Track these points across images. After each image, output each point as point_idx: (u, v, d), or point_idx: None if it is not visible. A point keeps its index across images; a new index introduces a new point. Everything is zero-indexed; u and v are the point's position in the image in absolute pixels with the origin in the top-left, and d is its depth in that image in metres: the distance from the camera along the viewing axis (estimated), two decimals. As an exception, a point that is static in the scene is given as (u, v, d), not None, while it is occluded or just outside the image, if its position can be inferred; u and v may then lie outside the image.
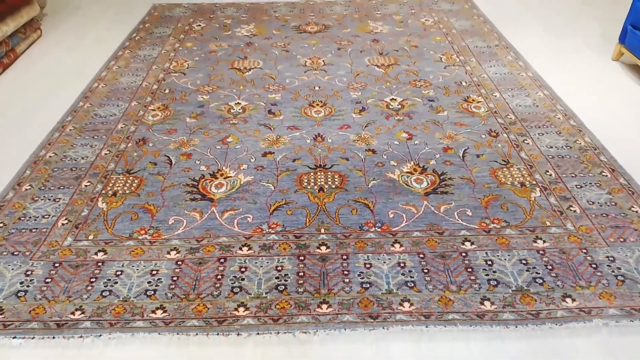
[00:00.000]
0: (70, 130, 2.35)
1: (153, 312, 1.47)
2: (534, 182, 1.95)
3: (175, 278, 1.58)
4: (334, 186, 1.96)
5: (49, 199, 1.92)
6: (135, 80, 2.78)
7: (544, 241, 1.69)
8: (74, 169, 2.09)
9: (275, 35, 3.34)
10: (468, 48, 3.08)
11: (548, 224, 1.76)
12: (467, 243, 1.69)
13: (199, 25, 3.52)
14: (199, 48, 3.17)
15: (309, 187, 1.96)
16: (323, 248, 1.68)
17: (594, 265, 1.59)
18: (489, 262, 1.61)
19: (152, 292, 1.53)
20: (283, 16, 3.65)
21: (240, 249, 1.68)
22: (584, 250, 1.65)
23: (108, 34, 3.46)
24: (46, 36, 3.44)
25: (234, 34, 3.37)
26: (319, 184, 1.98)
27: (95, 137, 2.30)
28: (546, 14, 3.60)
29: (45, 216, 1.84)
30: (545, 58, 2.96)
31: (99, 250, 1.69)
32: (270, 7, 3.82)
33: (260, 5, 3.87)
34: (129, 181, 2.01)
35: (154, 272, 1.60)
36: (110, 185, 1.99)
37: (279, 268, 1.61)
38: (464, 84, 2.68)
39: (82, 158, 2.15)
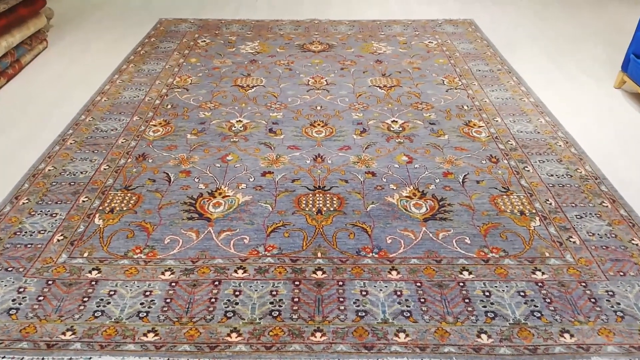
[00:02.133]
0: (71, 143, 2.35)
1: (145, 335, 1.45)
2: (534, 211, 1.94)
3: (168, 300, 1.56)
4: (332, 209, 1.95)
5: (46, 214, 1.91)
6: (138, 95, 2.79)
7: (543, 273, 1.67)
8: (72, 183, 2.08)
9: (279, 53, 3.36)
10: (470, 71, 3.09)
11: (547, 254, 1.74)
12: (465, 272, 1.67)
13: (204, 41, 3.55)
14: (202, 64, 3.19)
15: (307, 209, 1.95)
16: (319, 273, 1.66)
17: (593, 300, 1.57)
18: (487, 293, 1.59)
19: (145, 314, 1.51)
20: (288, 34, 3.67)
21: (236, 271, 1.66)
22: (583, 284, 1.63)
23: (113, 47, 3.49)
24: (52, 47, 3.46)
25: (238, 51, 3.39)
26: (317, 206, 1.97)
27: (95, 151, 2.30)
28: (549, 39, 3.62)
29: (41, 231, 1.83)
30: (547, 84, 2.97)
31: (93, 269, 1.67)
32: (276, 25, 3.85)
33: (265, 22, 3.90)
34: (126, 197, 2.00)
35: (148, 293, 1.58)
36: (108, 201, 1.98)
37: (274, 293, 1.59)
38: (465, 107, 2.68)
39: (81, 172, 2.15)
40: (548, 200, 2.00)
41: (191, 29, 3.75)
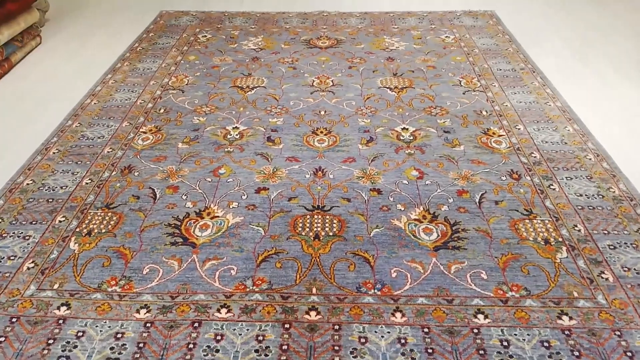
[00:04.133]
0: (54, 153, 2.18)
1: (111, 388, 1.28)
2: (560, 239, 1.71)
3: (141, 345, 1.38)
4: (331, 233, 1.75)
5: (19, 236, 1.75)
6: (130, 97, 2.61)
7: (571, 318, 1.45)
8: (50, 200, 1.92)
9: (284, 49, 3.14)
10: (490, 70, 2.83)
11: (575, 294, 1.52)
12: (480, 316, 1.45)
13: (205, 36, 3.34)
14: (201, 62, 2.99)
15: (303, 233, 1.75)
16: (313, 314, 1.47)
17: (629, 354, 1.34)
18: (505, 343, 1.38)
19: (114, 362, 1.34)
20: (294, 28, 3.44)
21: (219, 310, 1.48)
22: (617, 333, 1.40)
23: (110, 42, 3.31)
24: (46, 43, 3.30)
25: (240, 47, 3.17)
26: (315, 229, 1.77)
27: (79, 162, 2.12)
28: (578, 34, 3.32)
29: (12, 257, 1.67)
30: (575, 85, 2.69)
31: (62, 304, 1.51)
32: (282, 18, 3.61)
33: (271, 15, 3.67)
34: (107, 217, 1.83)
35: (119, 336, 1.41)
36: (86, 222, 1.81)
37: (260, 338, 1.40)
38: (484, 113, 2.44)
39: (61, 187, 1.98)
40: (576, 226, 1.76)
41: (192, 23, 3.55)
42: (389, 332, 1.41)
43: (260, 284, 1.56)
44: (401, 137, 2.27)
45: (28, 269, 1.63)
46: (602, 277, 1.57)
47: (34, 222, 1.81)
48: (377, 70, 2.87)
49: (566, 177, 1.99)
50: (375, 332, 1.41)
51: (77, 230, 1.78)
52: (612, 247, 1.68)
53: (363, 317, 1.45)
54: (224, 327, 1.43)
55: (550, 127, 2.31)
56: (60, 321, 1.46)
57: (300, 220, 1.81)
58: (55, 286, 1.57)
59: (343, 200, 1.90)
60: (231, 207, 1.88)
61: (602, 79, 2.77)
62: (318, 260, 1.65)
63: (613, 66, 2.89)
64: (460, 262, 1.63)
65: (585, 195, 1.90)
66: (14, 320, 1.46)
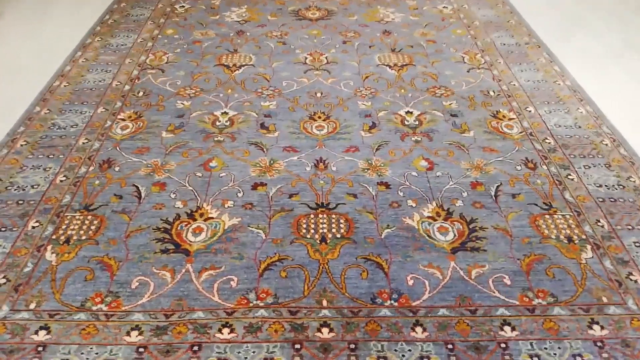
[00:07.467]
0: (22, 145, 1.94)
1: None
2: (584, 237, 1.60)
3: (135, 374, 1.23)
4: (338, 235, 1.60)
5: (-14, 246, 1.55)
6: (104, 79, 2.35)
7: (602, 327, 1.35)
8: (21, 202, 1.70)
9: (271, 22, 2.89)
10: (494, 45, 2.66)
11: (605, 299, 1.42)
12: (507, 327, 1.34)
13: (183, 6, 3.05)
14: (181, 36, 2.73)
15: (308, 235, 1.60)
16: (325, 331, 1.33)
17: (668, 367, 1.26)
18: (535, 359, 1.27)
19: (105, 397, 1.19)
20: (280, -3, 3.18)
21: (220, 330, 1.33)
22: (654, 343, 1.31)
23: (78, 12, 2.99)
24: (5, 15, 2.96)
25: (222, 19, 2.91)
26: (321, 231, 1.61)
27: (51, 155, 1.90)
28: (583, 2, 3.15)
29: (-21, 271, 1.48)
30: (583, 61, 2.55)
31: (41, 328, 1.33)
32: (266, -15, 3.33)
33: (254, -18, 3.38)
34: (86, 221, 1.63)
35: (109, 364, 1.25)
36: (64, 227, 1.61)
37: (269, 362, 1.26)
38: (491, 93, 2.28)
39: (32, 186, 1.76)
40: (599, 222, 1.65)
41: (168, -9, 3.24)
42: (410, 350, 1.29)
43: (264, 297, 1.41)
44: (406, 122, 2.10)
45: (-1, 285, 1.44)
46: (631, 279, 1.47)
47: (3, 229, 1.61)
48: (373, 45, 2.66)
49: (584, 166, 1.87)
50: (396, 350, 1.29)
51: (54, 237, 1.58)
52: (637, 244, 1.57)
53: (381, 333, 1.33)
54: (227, 349, 1.28)
55: (562, 108, 2.18)
56: (40, 348, 1.28)
57: (304, 221, 1.65)
58: (32, 306, 1.38)
59: (349, 196, 1.74)
60: (226, 206, 1.70)
61: (615, 54, 2.62)
62: (326, 267, 1.50)
63: (628, 41, 2.74)
64: (480, 265, 1.51)
65: (605, 185, 1.79)
66: (-15, 349, 1.29)
